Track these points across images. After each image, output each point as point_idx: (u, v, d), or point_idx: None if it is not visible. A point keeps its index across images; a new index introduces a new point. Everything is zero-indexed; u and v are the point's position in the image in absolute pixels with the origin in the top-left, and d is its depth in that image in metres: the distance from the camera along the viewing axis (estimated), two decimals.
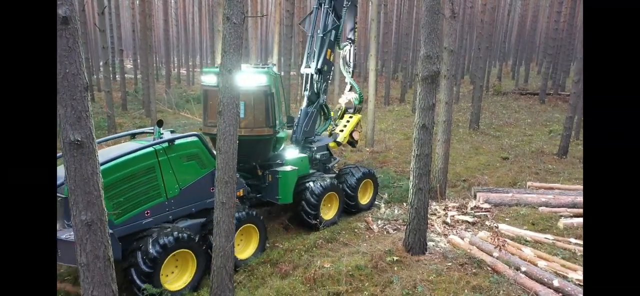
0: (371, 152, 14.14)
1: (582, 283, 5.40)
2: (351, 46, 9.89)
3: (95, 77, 29.17)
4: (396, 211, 8.83)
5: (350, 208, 8.83)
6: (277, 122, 7.63)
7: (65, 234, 5.08)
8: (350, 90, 10.59)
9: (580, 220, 7.75)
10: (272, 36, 42.12)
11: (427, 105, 6.26)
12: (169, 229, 5.73)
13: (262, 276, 6.33)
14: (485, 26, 19.12)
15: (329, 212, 8.43)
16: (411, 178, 6.59)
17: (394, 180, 10.97)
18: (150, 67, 17.91)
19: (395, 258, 6.48)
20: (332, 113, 10.14)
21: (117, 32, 30.20)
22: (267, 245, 7.56)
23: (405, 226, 7.07)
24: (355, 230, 8.07)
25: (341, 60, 10.20)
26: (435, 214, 8.53)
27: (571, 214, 8.42)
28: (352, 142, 10.52)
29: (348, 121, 10.40)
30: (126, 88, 23.16)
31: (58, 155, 3.39)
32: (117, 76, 30.79)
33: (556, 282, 5.56)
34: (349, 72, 10.23)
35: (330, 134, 9.71)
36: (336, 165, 9.90)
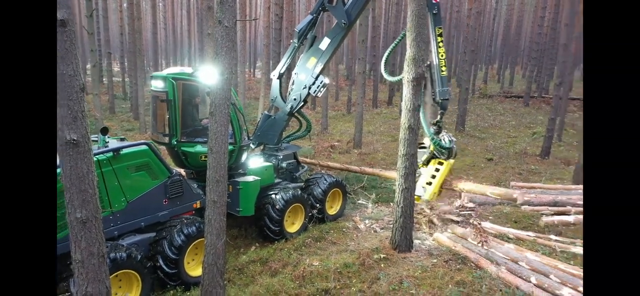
0: (359, 153, 14.33)
1: (560, 281, 5.61)
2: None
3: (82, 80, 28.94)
4: (383, 210, 9.00)
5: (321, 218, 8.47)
6: (177, 132, 6.97)
7: None
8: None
9: (561, 218, 8.01)
10: (261, 39, 42.20)
11: (413, 107, 6.45)
12: (107, 248, 5.02)
13: (252, 275, 6.45)
14: (471, 30, 19.50)
15: (293, 225, 8.02)
16: (397, 177, 6.77)
17: (381, 181, 11.16)
18: (139, 71, 17.87)
19: (382, 255, 6.64)
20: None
21: (105, 35, 29.97)
22: (257, 244, 7.65)
23: (392, 225, 7.25)
24: (343, 229, 8.22)
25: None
26: (421, 213, 8.71)
27: (552, 212, 8.68)
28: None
29: (437, 169, 7.94)
30: (114, 91, 23.05)
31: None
32: (104, 79, 30.59)
33: (534, 279, 5.78)
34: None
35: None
36: (304, 173, 9.38)
